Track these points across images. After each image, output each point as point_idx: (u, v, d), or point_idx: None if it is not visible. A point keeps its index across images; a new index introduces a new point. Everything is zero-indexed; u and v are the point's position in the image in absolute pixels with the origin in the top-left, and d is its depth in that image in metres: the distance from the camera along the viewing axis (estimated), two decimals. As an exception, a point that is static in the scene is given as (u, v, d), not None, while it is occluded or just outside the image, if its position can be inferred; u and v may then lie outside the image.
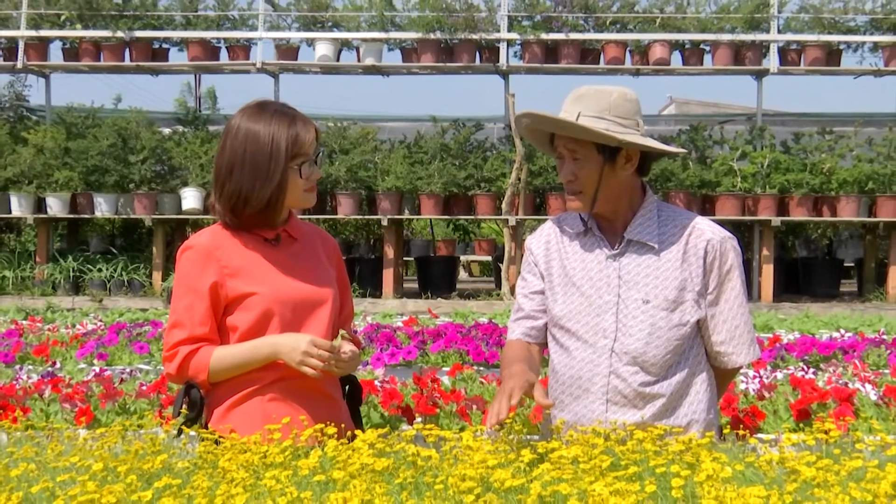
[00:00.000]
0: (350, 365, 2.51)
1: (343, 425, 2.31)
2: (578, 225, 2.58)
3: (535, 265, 2.64)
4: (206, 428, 2.39)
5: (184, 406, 2.46)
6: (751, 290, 10.86)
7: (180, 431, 2.38)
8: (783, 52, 11.02)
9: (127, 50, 11.46)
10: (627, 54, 11.11)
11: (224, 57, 11.55)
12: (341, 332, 2.53)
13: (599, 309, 2.49)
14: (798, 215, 10.62)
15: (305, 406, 2.47)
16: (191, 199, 10.80)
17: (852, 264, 12.97)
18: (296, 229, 2.62)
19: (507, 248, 10.91)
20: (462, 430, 3.76)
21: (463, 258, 15.61)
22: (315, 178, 2.55)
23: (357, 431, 2.21)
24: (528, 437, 2.18)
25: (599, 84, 2.54)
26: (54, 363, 5.64)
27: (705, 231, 2.52)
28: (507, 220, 10.67)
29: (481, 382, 4.66)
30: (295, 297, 2.51)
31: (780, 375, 4.87)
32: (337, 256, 2.72)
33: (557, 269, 2.59)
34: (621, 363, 2.46)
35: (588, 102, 2.45)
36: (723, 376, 2.64)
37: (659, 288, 2.47)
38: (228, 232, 2.53)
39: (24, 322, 8.08)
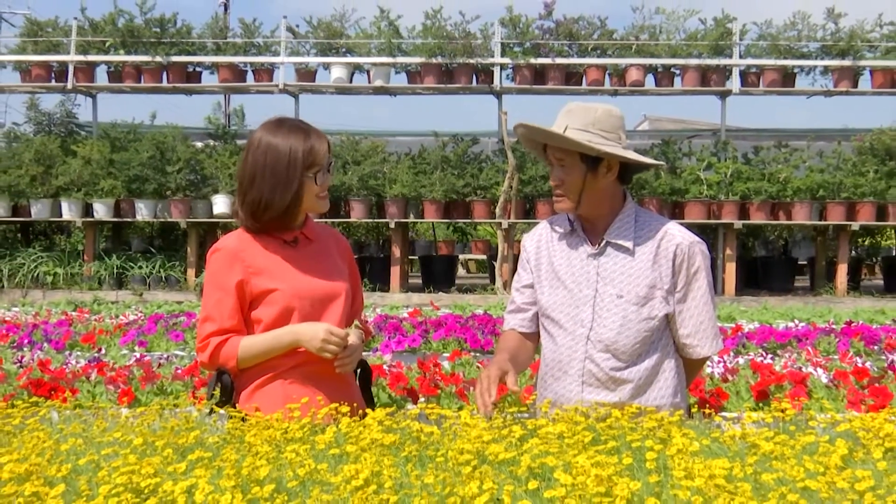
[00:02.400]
0: (354, 357, 2.50)
1: (355, 404, 2.31)
2: (566, 225, 2.60)
3: (527, 261, 2.66)
4: (235, 408, 2.39)
5: (216, 389, 2.46)
6: (715, 285, 10.85)
7: (212, 411, 2.37)
8: (744, 75, 11.01)
9: (164, 73, 11.45)
10: (607, 77, 11.09)
11: (250, 79, 11.54)
12: (355, 322, 2.53)
13: (579, 301, 2.51)
14: (757, 219, 10.61)
15: (322, 388, 2.47)
16: (221, 204, 10.80)
17: (805, 262, 12.96)
18: (311, 231, 2.61)
19: (500, 248, 10.90)
20: (461, 409, 3.75)
21: (461, 257, 15.61)
22: (327, 184, 2.54)
23: (367, 410, 2.21)
24: (519, 414, 2.17)
25: (589, 102, 2.55)
26: (100, 349, 5.64)
27: (676, 236, 2.51)
28: (500, 223, 10.66)
29: (478, 367, 4.66)
30: (312, 292, 2.51)
31: (741, 361, 4.87)
32: (349, 255, 2.71)
33: (546, 265, 2.60)
34: (595, 350, 2.48)
35: (575, 116, 2.47)
36: (691, 366, 2.64)
37: (632, 285, 2.47)
38: (251, 236, 2.52)
39: (73, 313, 8.07)
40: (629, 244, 2.50)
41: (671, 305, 2.50)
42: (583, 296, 2.50)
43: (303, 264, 2.53)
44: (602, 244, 2.52)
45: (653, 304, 2.48)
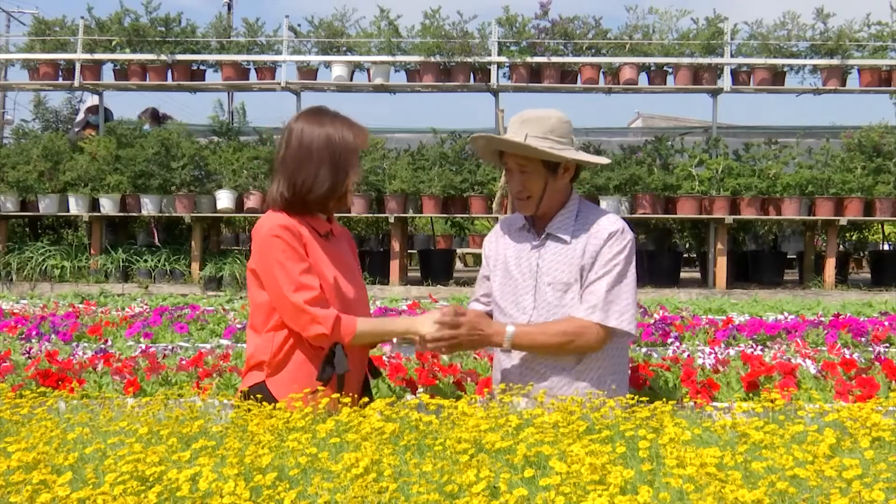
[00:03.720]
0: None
1: (355, 395, 2.31)
2: (521, 221, 2.76)
3: (486, 257, 2.87)
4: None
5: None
6: (706, 278, 10.87)
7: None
8: (735, 74, 10.99)
9: (169, 71, 11.42)
10: (601, 75, 11.07)
11: (253, 77, 11.50)
12: (455, 307, 2.61)
13: (522, 290, 2.67)
14: (748, 214, 10.61)
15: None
16: (224, 199, 10.78)
17: (794, 256, 12.97)
18: (336, 227, 2.66)
19: (497, 243, 10.87)
20: (458, 399, 3.74)
21: (459, 251, 15.61)
22: (358, 179, 2.58)
23: (364, 399, 2.22)
24: (517, 404, 2.18)
25: (540, 110, 2.63)
26: (106, 341, 5.63)
27: (608, 225, 2.63)
28: (496, 217, 10.65)
29: (475, 358, 4.65)
30: (345, 291, 2.55)
31: (732, 352, 4.87)
32: (356, 250, 2.79)
33: (500, 259, 2.77)
34: None
35: (533, 125, 2.59)
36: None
37: (564, 272, 2.61)
38: (294, 220, 2.51)
39: (80, 305, 8.06)
40: (567, 236, 2.64)
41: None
42: (526, 285, 2.66)
43: (336, 258, 2.56)
44: (544, 237, 2.67)
45: (574, 290, 2.61)
